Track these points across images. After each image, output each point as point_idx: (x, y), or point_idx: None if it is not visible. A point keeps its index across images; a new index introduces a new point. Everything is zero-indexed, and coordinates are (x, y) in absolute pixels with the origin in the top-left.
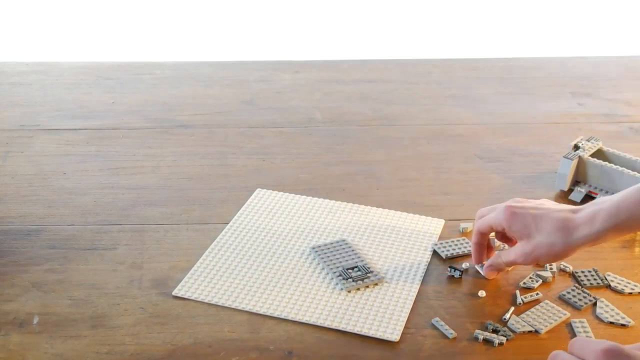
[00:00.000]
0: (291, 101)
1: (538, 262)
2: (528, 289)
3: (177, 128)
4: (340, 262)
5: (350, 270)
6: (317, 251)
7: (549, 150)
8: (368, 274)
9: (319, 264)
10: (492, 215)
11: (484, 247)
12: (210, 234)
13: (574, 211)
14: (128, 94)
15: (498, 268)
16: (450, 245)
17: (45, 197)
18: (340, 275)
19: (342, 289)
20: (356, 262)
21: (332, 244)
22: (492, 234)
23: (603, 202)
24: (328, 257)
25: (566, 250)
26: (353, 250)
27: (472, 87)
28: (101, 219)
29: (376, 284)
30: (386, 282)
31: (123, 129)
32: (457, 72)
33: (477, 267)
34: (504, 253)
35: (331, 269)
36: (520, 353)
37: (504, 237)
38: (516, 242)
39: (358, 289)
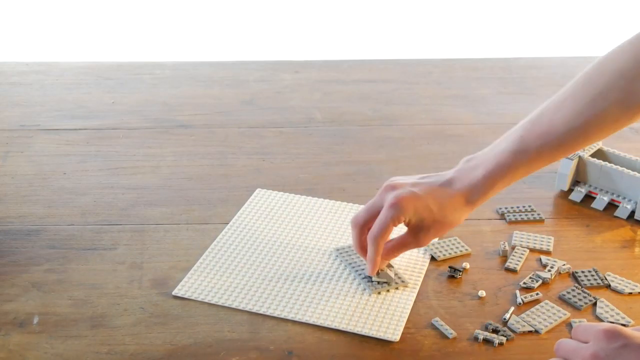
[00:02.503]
0: (291, 101)
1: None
2: (528, 289)
3: (177, 128)
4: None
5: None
6: (341, 253)
7: None
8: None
9: (345, 268)
10: (385, 212)
11: (365, 241)
12: (210, 234)
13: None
14: (128, 94)
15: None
16: (443, 247)
17: (45, 197)
18: (365, 277)
19: (370, 294)
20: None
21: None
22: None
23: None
24: (353, 259)
25: (454, 219)
26: None
27: (472, 87)
28: (101, 219)
29: (397, 288)
30: (387, 282)
31: (123, 129)
32: (457, 72)
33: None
34: (396, 246)
35: (357, 271)
36: (520, 353)
37: None
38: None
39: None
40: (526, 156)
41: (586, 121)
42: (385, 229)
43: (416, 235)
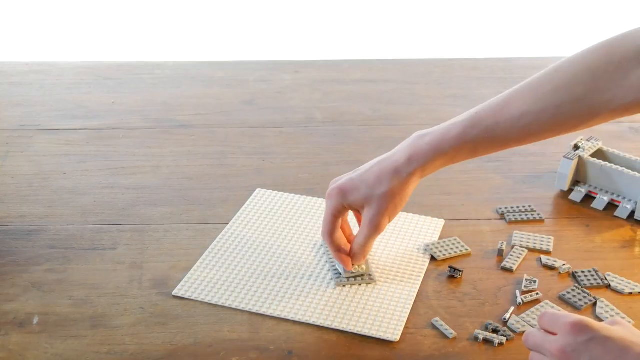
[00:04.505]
0: (291, 101)
1: (390, 220)
2: (528, 289)
3: (177, 128)
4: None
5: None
6: (324, 246)
7: (549, 150)
8: (362, 275)
9: (326, 261)
10: (327, 210)
11: (341, 246)
12: (210, 234)
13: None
14: (128, 94)
15: (362, 255)
16: (443, 247)
17: (45, 197)
18: (335, 270)
19: (335, 287)
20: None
21: None
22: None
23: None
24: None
25: (405, 193)
26: None
27: (472, 87)
28: (101, 219)
29: (368, 283)
30: (386, 282)
31: (123, 129)
32: (457, 72)
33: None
34: (355, 238)
35: (331, 264)
36: (520, 353)
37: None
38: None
39: (352, 286)
40: (475, 131)
41: (542, 109)
42: (329, 222)
43: (366, 218)
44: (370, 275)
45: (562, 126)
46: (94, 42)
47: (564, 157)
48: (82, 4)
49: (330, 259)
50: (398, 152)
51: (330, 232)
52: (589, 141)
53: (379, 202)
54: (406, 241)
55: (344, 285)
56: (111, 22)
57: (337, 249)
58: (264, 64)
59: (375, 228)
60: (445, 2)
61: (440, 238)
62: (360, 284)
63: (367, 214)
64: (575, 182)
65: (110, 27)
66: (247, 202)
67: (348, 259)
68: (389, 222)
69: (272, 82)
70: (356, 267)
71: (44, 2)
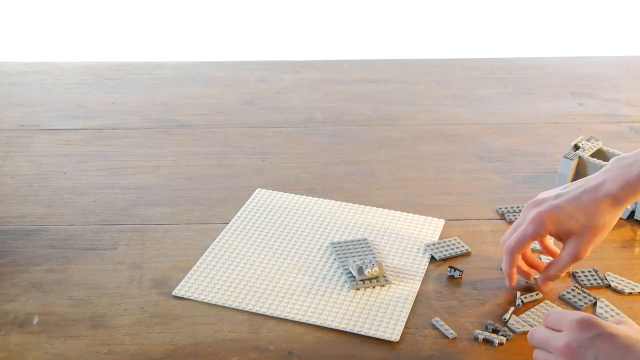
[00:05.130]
0: (291, 101)
1: (587, 252)
2: (528, 289)
3: (177, 128)
4: (355, 261)
5: (364, 265)
6: (335, 247)
7: (549, 150)
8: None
9: (335, 260)
10: (524, 227)
11: (517, 264)
12: (210, 234)
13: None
14: (128, 94)
15: (554, 278)
16: (443, 247)
17: (45, 197)
18: (349, 273)
19: (349, 289)
20: (371, 261)
21: (352, 241)
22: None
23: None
24: (345, 254)
25: (612, 223)
26: (371, 251)
27: (472, 87)
28: (101, 219)
29: (382, 285)
30: (386, 282)
31: (123, 129)
32: (457, 72)
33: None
34: (554, 263)
35: (344, 266)
36: (520, 353)
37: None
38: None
39: (358, 289)
40: None
41: None
42: (522, 242)
43: (571, 247)
44: (385, 277)
45: None
46: (94, 42)
47: (564, 157)
48: (82, 4)
49: (343, 263)
50: (607, 183)
51: (519, 250)
52: (589, 141)
53: (592, 232)
54: (406, 241)
55: (359, 289)
56: (111, 22)
57: (514, 265)
58: (264, 64)
59: (578, 257)
60: (445, 2)
61: (440, 238)
62: (374, 287)
63: (574, 241)
64: None
65: (110, 27)
66: (247, 202)
67: (514, 277)
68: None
69: (272, 82)
70: (369, 270)
71: (44, 2)
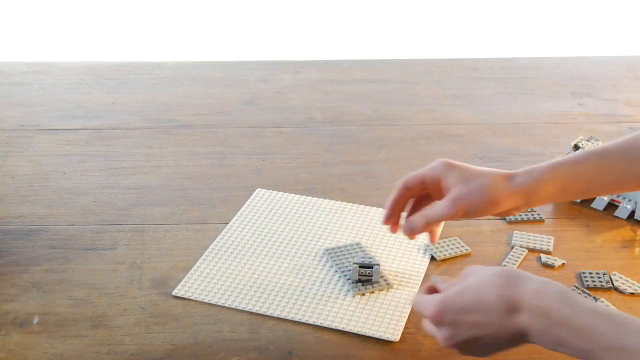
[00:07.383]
0: (291, 101)
1: (466, 215)
2: None
3: (177, 128)
4: (352, 268)
5: (363, 269)
6: (330, 254)
7: (549, 150)
8: (377, 281)
9: (332, 266)
10: (425, 168)
11: (402, 205)
12: (210, 234)
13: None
14: (128, 94)
15: (418, 225)
16: (443, 247)
17: (45, 197)
18: (349, 279)
19: (353, 295)
20: (371, 263)
21: (345, 246)
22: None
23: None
24: (341, 260)
25: (501, 196)
26: (366, 254)
27: (472, 87)
28: (101, 219)
29: (381, 289)
30: (387, 282)
31: (123, 129)
32: (457, 72)
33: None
34: (427, 209)
35: (343, 272)
36: (520, 353)
37: (424, 199)
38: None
39: (363, 294)
40: (604, 158)
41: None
42: (414, 176)
43: (449, 199)
44: (385, 280)
45: None
46: (94, 42)
47: None
48: (82, 4)
49: (340, 268)
50: (518, 173)
51: (409, 184)
52: (588, 141)
53: (474, 194)
54: (406, 241)
55: (363, 294)
56: (111, 22)
57: (398, 200)
58: (264, 64)
59: (449, 213)
60: (445, 2)
61: (440, 238)
62: (374, 291)
63: (453, 195)
64: None
65: (110, 27)
66: (247, 202)
67: (393, 213)
68: (463, 216)
69: (272, 82)
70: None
71: (44, 2)
